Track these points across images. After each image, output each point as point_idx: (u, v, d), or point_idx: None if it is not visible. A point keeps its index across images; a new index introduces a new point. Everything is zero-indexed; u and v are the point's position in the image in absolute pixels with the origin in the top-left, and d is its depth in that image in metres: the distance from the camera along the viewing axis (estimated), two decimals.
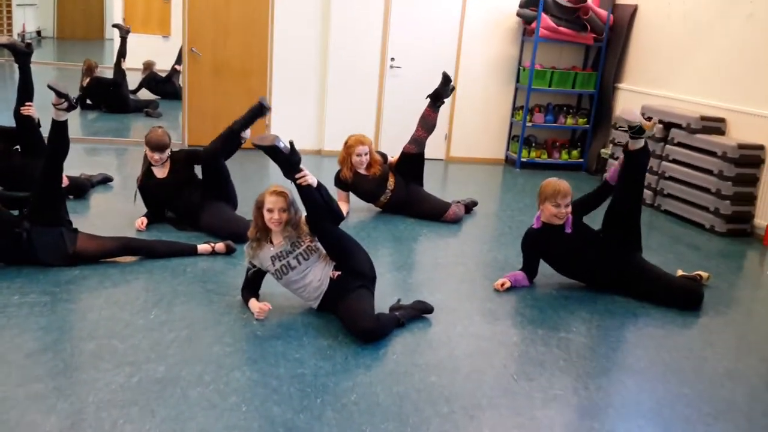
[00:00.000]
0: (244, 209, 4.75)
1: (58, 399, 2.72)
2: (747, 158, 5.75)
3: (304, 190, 3.49)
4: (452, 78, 5.89)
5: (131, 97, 9.65)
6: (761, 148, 5.76)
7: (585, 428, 2.83)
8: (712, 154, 5.90)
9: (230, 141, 4.92)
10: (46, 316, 3.43)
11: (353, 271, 3.60)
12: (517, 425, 2.81)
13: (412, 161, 5.67)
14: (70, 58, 15.53)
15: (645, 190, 6.57)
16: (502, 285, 4.22)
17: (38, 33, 19.63)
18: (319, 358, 3.21)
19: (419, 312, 3.73)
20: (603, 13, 7.73)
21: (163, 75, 10.41)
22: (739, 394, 3.20)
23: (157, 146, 4.80)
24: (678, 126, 6.29)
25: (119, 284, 3.90)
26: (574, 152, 8.17)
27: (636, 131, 4.06)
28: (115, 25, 9.94)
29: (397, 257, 4.62)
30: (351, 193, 5.61)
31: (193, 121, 7.65)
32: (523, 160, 8.02)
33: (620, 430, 2.84)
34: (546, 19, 7.55)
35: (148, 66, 10.29)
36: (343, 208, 5.49)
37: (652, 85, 7.24)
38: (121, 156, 7.11)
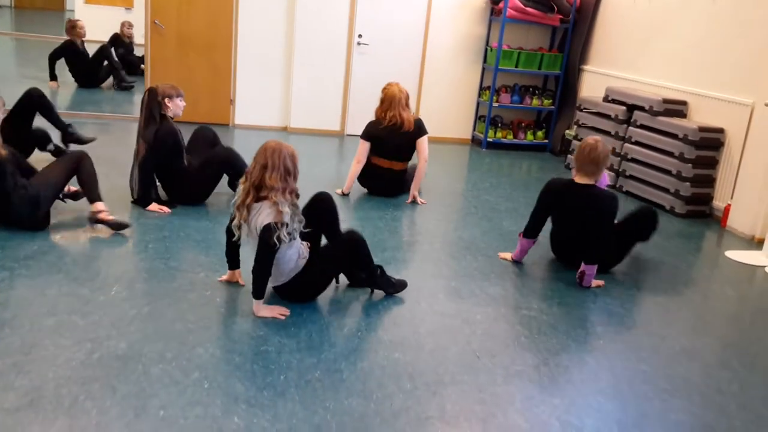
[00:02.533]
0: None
1: (16, 375, 2.67)
2: (707, 141, 5.85)
3: None
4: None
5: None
6: (721, 131, 5.86)
7: (546, 404, 2.88)
8: (674, 136, 5.99)
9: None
10: (4, 291, 3.36)
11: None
12: (479, 401, 2.85)
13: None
14: (29, 29, 15.15)
15: (607, 171, 6.68)
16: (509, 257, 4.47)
17: None
18: (282, 336, 3.21)
19: (394, 284, 3.79)
20: None
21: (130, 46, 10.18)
22: (694, 372, 3.28)
23: (179, 91, 4.76)
24: (641, 108, 6.38)
25: (79, 260, 3.84)
26: (540, 133, 8.23)
27: None
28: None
29: (363, 234, 4.62)
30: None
31: None
32: (489, 140, 8.05)
33: (579, 405, 2.89)
34: (514, 0, 7.56)
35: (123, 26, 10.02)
36: (360, 164, 5.53)
37: (616, 67, 7.31)
38: (103, 129, 6.95)
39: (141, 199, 4.72)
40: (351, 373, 2.94)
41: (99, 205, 4.31)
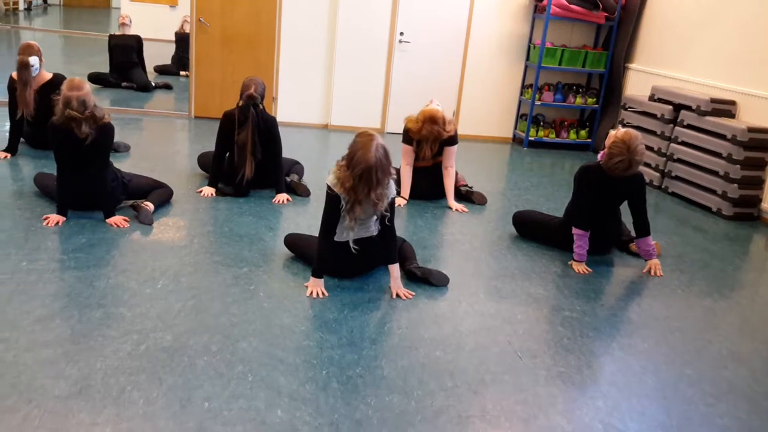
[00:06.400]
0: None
1: (66, 364, 2.75)
2: (756, 142, 5.72)
3: None
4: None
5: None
6: None
7: (588, 406, 2.85)
8: (722, 136, 5.87)
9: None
10: (55, 282, 3.45)
11: None
12: (520, 401, 2.83)
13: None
14: (77, 27, 15.49)
15: (652, 172, 6.58)
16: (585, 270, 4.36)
17: (44, 1, 19.56)
18: (324, 331, 3.23)
19: (434, 275, 3.88)
20: None
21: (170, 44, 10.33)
22: (741, 376, 3.22)
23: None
24: (688, 108, 6.26)
25: (126, 254, 3.92)
26: (583, 132, 8.13)
27: None
28: None
29: (403, 233, 4.62)
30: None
31: (200, 92, 7.62)
32: (531, 139, 7.98)
33: (623, 409, 2.85)
34: None
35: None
36: (406, 173, 5.39)
37: (662, 65, 7.18)
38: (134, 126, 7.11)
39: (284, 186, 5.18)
40: (392, 370, 2.95)
41: (150, 204, 4.50)
